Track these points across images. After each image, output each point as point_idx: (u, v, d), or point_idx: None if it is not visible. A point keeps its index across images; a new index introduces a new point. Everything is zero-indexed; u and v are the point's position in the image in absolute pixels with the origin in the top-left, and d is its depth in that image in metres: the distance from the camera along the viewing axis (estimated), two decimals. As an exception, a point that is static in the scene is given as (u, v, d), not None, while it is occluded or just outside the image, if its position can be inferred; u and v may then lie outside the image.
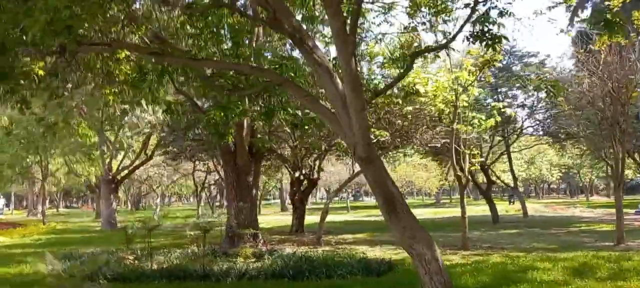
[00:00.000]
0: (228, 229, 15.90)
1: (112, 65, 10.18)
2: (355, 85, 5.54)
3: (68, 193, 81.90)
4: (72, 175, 40.22)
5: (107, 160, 28.89)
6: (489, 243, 16.06)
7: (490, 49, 6.37)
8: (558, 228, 21.19)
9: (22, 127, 29.67)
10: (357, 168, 22.15)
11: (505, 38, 6.37)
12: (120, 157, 30.88)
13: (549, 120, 26.42)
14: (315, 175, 22.70)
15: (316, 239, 17.34)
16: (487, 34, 6.24)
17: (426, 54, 8.90)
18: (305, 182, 22.47)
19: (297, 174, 22.18)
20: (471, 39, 6.27)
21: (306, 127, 11.65)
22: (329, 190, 45.91)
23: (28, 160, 30.89)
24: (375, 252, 13.85)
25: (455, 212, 39.38)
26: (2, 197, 63.13)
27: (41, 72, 8.86)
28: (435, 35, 8.59)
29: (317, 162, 23.06)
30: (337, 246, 16.02)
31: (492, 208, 25.33)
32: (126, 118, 25.29)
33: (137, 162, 30.35)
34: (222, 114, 10.81)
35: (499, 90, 27.06)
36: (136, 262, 12.21)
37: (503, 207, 44.56)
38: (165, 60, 7.68)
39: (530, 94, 24.98)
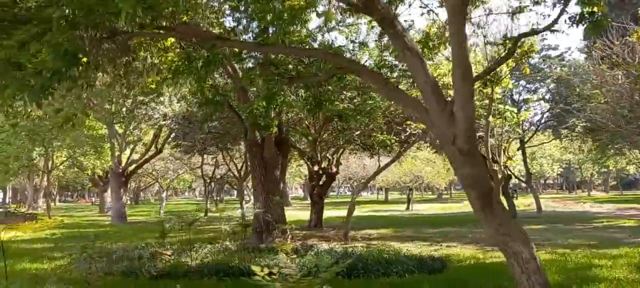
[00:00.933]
0: (256, 224, 15.55)
1: (156, 52, 9.77)
2: (467, 71, 5.15)
3: (64, 188, 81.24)
4: (75, 168, 39.70)
5: (117, 153, 28.33)
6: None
7: (591, 33, 5.99)
8: (581, 224, 20.96)
9: (29, 119, 29.06)
10: (384, 162, 21.88)
11: (607, 20, 6.01)
12: (128, 150, 30.25)
13: (567, 114, 26.13)
14: (334, 169, 22.30)
15: (343, 235, 16.96)
16: (589, 17, 5.86)
17: (533, 36, 8.43)
18: (324, 176, 22.09)
19: (316, 168, 21.80)
20: (572, 22, 5.89)
21: (352, 119, 11.23)
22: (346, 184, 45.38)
23: (34, 152, 30.23)
24: (411, 249, 13.49)
25: (461, 207, 39.41)
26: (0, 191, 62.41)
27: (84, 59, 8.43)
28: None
29: (335, 156, 22.69)
30: (368, 242, 15.63)
31: (510, 203, 25.01)
32: (140, 110, 24.84)
33: (147, 156, 29.77)
34: (264, 104, 10.44)
35: (517, 83, 26.78)
36: (174, 257, 11.75)
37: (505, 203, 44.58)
38: (231, 46, 7.24)
39: (550, 87, 24.67)
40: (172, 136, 27.84)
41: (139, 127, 27.63)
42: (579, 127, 25.41)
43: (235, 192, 77.14)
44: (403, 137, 15.07)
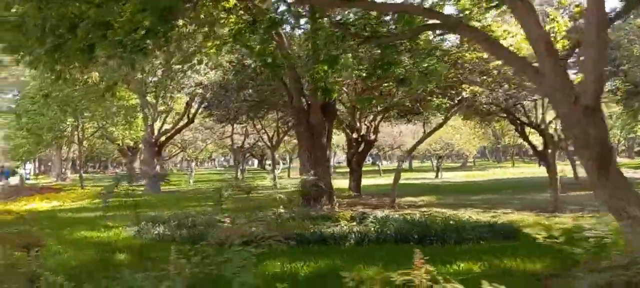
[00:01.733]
0: (304, 192, 15.34)
1: (218, 14, 9.44)
2: (603, 21, 4.74)
3: (87, 159, 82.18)
4: (104, 139, 39.90)
5: (150, 123, 28.28)
6: (576, 206, 15.32)
7: None
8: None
9: (59, 90, 29.12)
10: (428, 128, 21.48)
11: None
12: (159, 120, 30.19)
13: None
14: (372, 136, 21.97)
15: (390, 202, 16.74)
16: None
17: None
18: (362, 143, 21.79)
19: (354, 135, 21.50)
20: None
21: (417, 83, 10.81)
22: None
23: (67, 123, 30.34)
24: (467, 215, 13.17)
25: (488, 174, 38.97)
26: (26, 162, 63.26)
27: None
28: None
29: (373, 123, 22.32)
30: (417, 209, 15.34)
31: (551, 171, 24.43)
32: (173, 80, 24.66)
33: (179, 125, 29.70)
34: (325, 68, 10.10)
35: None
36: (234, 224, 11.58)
37: (531, 170, 43.96)
38: (312, 3, 6.86)
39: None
40: (203, 105, 27.67)
41: (172, 97, 27.49)
42: (622, 89, 24.59)
43: (255, 161, 77.52)
44: (456, 100, 14.61)
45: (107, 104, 31.22)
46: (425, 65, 9.94)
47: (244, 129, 33.02)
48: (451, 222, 10.36)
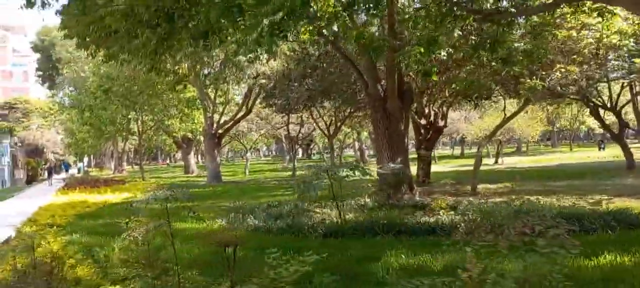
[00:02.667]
0: (382, 180, 14.85)
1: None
2: None
3: (138, 151, 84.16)
4: (161, 131, 40.53)
5: (209, 114, 28.41)
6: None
7: None
8: None
9: (120, 85, 29.63)
10: (481, 113, 20.65)
11: None
12: (217, 112, 30.31)
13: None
14: (441, 123, 21.28)
15: (472, 189, 16.11)
16: None
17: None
18: (431, 130, 21.15)
19: (423, 121, 20.87)
20: None
21: (520, 64, 10.14)
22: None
23: (129, 116, 30.90)
24: (568, 202, 12.40)
25: (553, 159, 37.52)
26: (83, 156, 65.29)
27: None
28: None
29: (441, 109, 21.63)
30: (502, 196, 14.62)
31: (628, 153, 23.20)
32: (231, 70, 24.58)
33: (238, 116, 29.73)
34: (422, 50, 9.54)
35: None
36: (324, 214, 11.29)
37: (591, 154, 42.15)
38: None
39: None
40: (262, 96, 27.54)
41: (230, 88, 27.54)
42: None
43: (300, 151, 77.52)
44: (547, 81, 13.74)
45: (164, 97, 31.68)
46: (529, 45, 9.26)
47: (299, 118, 32.78)
48: (564, 211, 9.68)
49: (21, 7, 9.41)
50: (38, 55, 57.87)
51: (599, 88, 24.02)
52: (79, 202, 18.02)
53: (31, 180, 39.33)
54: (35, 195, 25.04)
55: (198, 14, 7.50)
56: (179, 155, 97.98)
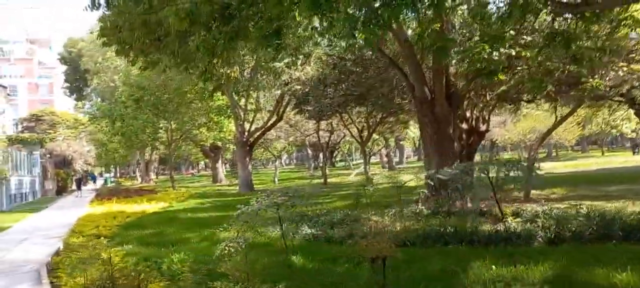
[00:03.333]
0: (432, 186, 14.29)
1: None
2: None
3: (161, 162, 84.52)
4: (188, 140, 40.41)
5: (240, 122, 28.15)
6: None
7: None
8: None
9: (150, 94, 29.58)
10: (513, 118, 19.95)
11: None
12: (249, 119, 30.05)
13: None
14: (483, 127, 20.58)
15: (525, 195, 15.45)
16: None
17: None
18: (472, 135, 20.45)
19: (464, 126, 20.21)
20: None
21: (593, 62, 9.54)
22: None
23: (160, 125, 30.80)
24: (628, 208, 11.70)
25: (589, 164, 36.48)
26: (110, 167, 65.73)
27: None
28: None
29: (483, 113, 20.94)
30: (557, 202, 13.92)
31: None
32: (263, 77, 24.29)
33: (270, 123, 29.39)
34: (487, 48, 9.04)
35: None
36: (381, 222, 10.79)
37: (626, 159, 40.90)
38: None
39: None
40: (293, 102, 27.18)
41: (264, 95, 27.24)
42: None
43: (321, 157, 77.04)
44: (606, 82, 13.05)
45: (192, 106, 31.56)
46: (607, 41, 8.68)
47: (329, 124, 32.31)
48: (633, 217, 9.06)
49: (86, 8, 9.16)
50: (65, 67, 58.48)
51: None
52: (117, 213, 17.80)
53: (61, 191, 39.52)
54: (68, 206, 24.98)
55: (263, 11, 7.12)
56: (202, 164, 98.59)
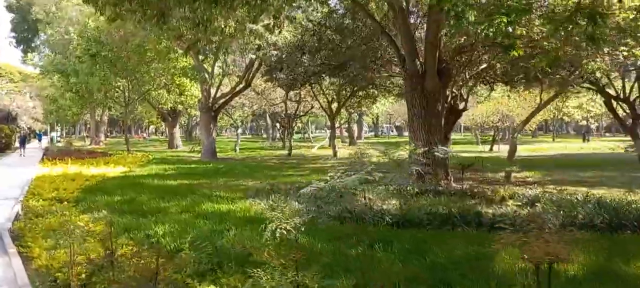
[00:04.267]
0: (416, 164, 13.78)
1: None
2: None
3: (111, 123, 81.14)
4: (145, 102, 38.47)
5: (206, 86, 26.78)
6: None
7: None
8: None
9: (109, 49, 27.73)
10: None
11: None
12: (215, 84, 28.67)
13: None
14: (461, 105, 20.28)
15: (506, 178, 15.23)
16: None
17: None
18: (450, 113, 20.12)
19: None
20: None
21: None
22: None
23: (118, 84, 28.92)
24: (612, 195, 11.57)
25: (546, 149, 37.31)
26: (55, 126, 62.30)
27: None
28: None
29: (461, 91, 20.62)
30: (537, 187, 13.63)
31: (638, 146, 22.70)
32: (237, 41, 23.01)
33: (237, 89, 28.10)
34: (506, 20, 8.43)
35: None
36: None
37: (576, 145, 42.24)
38: None
39: None
40: (263, 69, 26.06)
41: (233, 59, 25.94)
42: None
43: (284, 130, 76.00)
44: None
45: (153, 65, 29.87)
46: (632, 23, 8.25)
47: (297, 94, 31.36)
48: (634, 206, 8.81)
49: None
50: (12, 16, 54.36)
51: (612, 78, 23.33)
52: (75, 175, 16.44)
53: (4, 149, 36.86)
54: (16, 165, 23.15)
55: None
56: (151, 129, 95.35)
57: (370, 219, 8.71)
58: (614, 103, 24.11)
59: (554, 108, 57.23)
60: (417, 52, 14.38)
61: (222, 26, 12.18)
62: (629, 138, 43.21)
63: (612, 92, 23.69)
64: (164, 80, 31.60)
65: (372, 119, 77.82)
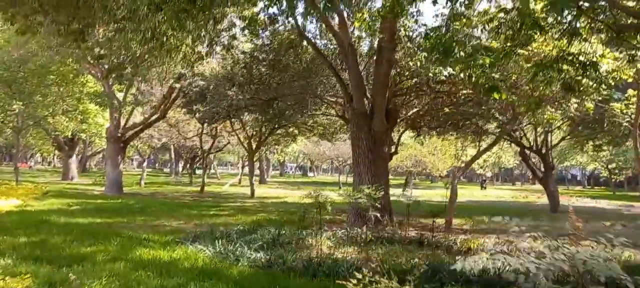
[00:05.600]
0: (357, 206, 13.00)
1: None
2: None
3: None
4: (40, 128, 34.47)
5: (116, 115, 24.41)
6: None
7: None
8: (630, 222, 19.88)
9: (5, 69, 24.61)
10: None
11: None
12: (126, 112, 26.30)
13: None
14: (393, 149, 20.02)
15: (447, 225, 14.88)
16: None
17: None
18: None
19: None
20: None
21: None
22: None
23: (15, 106, 25.46)
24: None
25: (441, 193, 38.46)
26: None
27: None
28: None
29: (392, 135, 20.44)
30: (474, 235, 13.34)
31: (551, 196, 23.81)
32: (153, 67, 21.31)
33: (151, 119, 25.88)
34: (488, 61, 8.17)
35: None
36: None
37: (475, 193, 44.15)
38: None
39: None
40: (184, 99, 24.32)
41: (151, 87, 23.91)
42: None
43: (191, 165, 72.54)
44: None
45: (56, 89, 26.95)
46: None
47: (213, 129, 29.69)
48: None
49: None
50: None
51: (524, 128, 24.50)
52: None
53: None
54: None
55: None
56: (39, 158, 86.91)
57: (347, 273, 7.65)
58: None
59: (453, 155, 60.24)
60: (366, 91, 13.83)
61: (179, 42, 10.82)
62: (515, 187, 45.05)
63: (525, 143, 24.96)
64: (66, 106, 28.49)
65: (278, 158, 76.91)
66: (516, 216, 19.99)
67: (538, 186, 47.61)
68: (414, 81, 14.50)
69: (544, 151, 24.87)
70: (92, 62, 20.29)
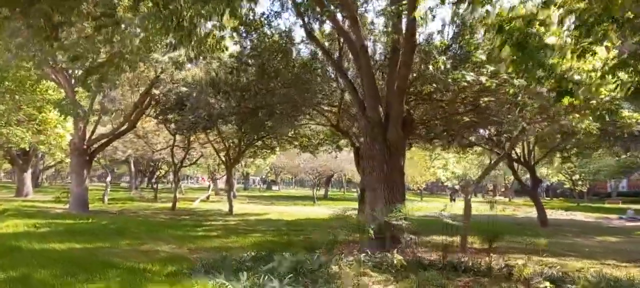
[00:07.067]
0: (376, 226, 11.76)
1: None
2: None
3: None
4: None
5: (81, 125, 22.25)
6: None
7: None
8: (626, 237, 19.57)
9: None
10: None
11: None
12: (93, 121, 24.14)
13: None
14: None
15: (462, 245, 13.74)
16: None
17: None
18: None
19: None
20: None
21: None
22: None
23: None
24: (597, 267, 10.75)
25: (421, 207, 37.84)
26: None
27: None
28: None
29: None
30: (507, 256, 12.43)
31: (540, 209, 23.32)
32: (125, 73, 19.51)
33: (120, 130, 23.71)
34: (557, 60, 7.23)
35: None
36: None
37: (443, 204, 43.48)
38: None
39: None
40: (157, 108, 22.46)
41: (121, 94, 21.90)
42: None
43: (155, 179, 69.29)
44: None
45: (7, 97, 24.50)
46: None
47: (185, 140, 27.74)
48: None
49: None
50: None
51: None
52: None
53: None
54: None
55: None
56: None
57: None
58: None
59: (423, 167, 60.11)
60: (380, 99, 12.61)
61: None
62: (478, 199, 45.33)
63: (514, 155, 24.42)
64: (22, 115, 26.00)
65: (244, 171, 74.64)
66: (508, 233, 19.30)
67: (501, 198, 47.85)
68: (432, 87, 13.39)
69: (531, 163, 24.43)
70: (62, 65, 18.25)
